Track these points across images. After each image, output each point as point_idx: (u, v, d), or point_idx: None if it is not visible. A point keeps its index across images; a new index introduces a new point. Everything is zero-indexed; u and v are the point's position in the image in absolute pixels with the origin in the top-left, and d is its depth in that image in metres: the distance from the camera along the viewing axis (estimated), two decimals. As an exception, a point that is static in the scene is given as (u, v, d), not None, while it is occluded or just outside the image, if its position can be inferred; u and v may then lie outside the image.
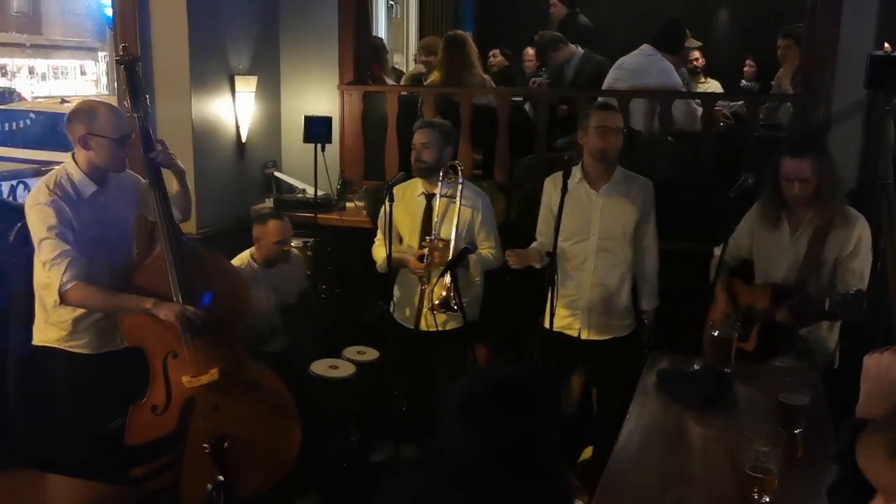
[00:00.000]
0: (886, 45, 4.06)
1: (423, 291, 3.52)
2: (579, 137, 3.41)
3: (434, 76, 5.05)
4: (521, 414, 1.48)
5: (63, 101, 10.69)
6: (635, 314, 3.56)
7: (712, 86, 6.38)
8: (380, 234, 3.80)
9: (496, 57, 6.36)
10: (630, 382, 3.72)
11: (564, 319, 3.44)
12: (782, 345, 3.09)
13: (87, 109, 2.95)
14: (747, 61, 6.89)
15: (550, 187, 3.52)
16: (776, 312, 2.99)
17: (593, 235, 3.39)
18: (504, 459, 1.45)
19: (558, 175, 3.46)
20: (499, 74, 6.12)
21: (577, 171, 3.41)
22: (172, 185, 3.22)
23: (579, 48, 5.41)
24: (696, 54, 6.06)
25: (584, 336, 3.46)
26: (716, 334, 2.78)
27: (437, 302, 3.34)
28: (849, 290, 2.85)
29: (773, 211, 3.13)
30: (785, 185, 3.06)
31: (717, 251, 3.40)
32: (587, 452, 3.58)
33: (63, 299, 2.88)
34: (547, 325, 3.20)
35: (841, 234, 3.06)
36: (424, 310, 3.52)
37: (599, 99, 4.28)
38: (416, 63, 6.07)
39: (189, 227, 4.14)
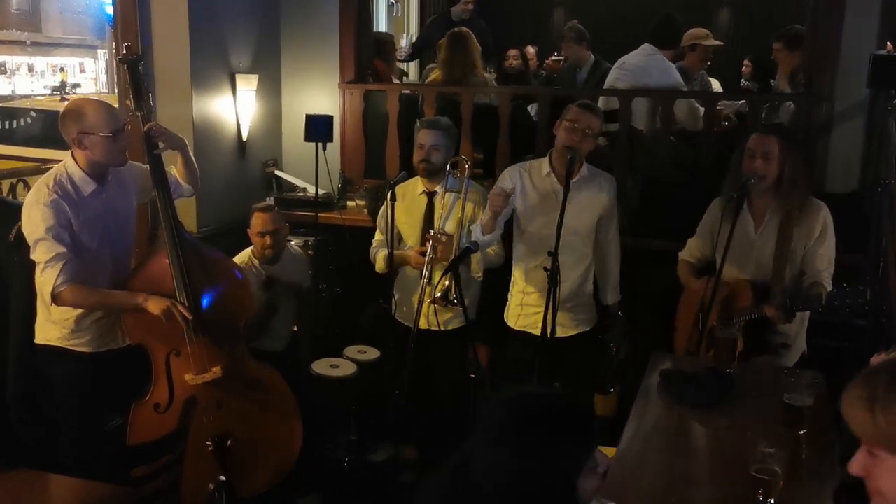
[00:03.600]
0: (889, 44, 4.06)
1: (423, 289, 3.50)
2: (555, 128, 3.34)
3: (435, 74, 5.05)
4: (553, 438, 1.48)
5: (63, 98, 10.68)
6: (598, 308, 3.56)
7: (713, 85, 6.36)
8: (378, 235, 3.79)
9: (517, 59, 6.35)
10: (595, 378, 3.74)
11: (530, 318, 3.40)
12: (765, 342, 3.09)
13: (75, 109, 2.93)
14: (745, 61, 6.89)
15: (516, 176, 3.41)
16: (766, 310, 2.98)
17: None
18: (528, 481, 1.45)
19: (524, 167, 3.44)
20: (513, 77, 6.12)
21: (544, 165, 3.38)
22: (177, 161, 3.23)
23: (591, 55, 5.44)
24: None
25: (548, 332, 3.36)
26: (719, 335, 2.77)
27: (438, 295, 3.32)
28: (843, 287, 2.84)
29: (735, 201, 3.08)
30: (748, 162, 3.04)
31: (682, 255, 3.41)
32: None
33: (55, 301, 2.88)
34: (549, 329, 3.15)
35: (806, 224, 3.06)
36: (425, 308, 3.51)
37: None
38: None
39: (190, 225, 4.14)
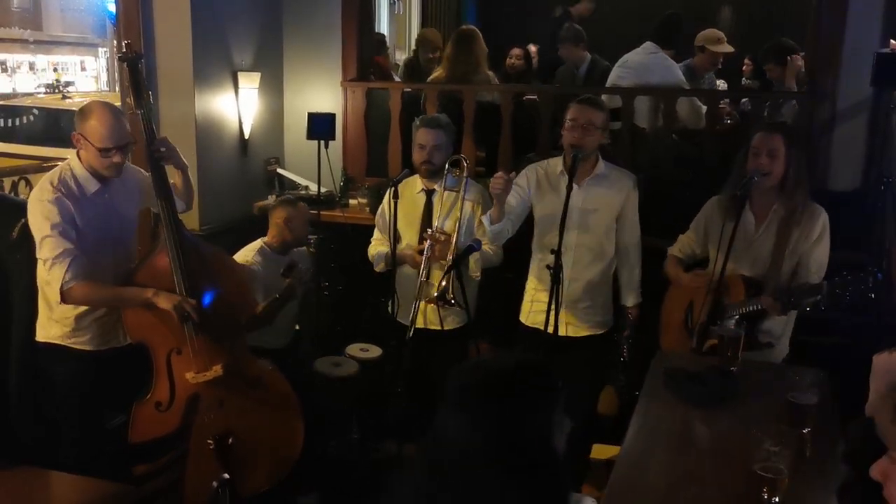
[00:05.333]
0: (893, 42, 4.06)
1: (420, 288, 3.49)
2: (562, 129, 3.33)
3: (438, 71, 5.04)
4: (519, 402, 1.46)
5: (64, 97, 10.69)
6: (615, 311, 3.53)
7: (719, 86, 6.34)
8: (377, 234, 3.78)
9: (520, 59, 6.34)
10: (602, 380, 3.72)
11: (540, 315, 3.35)
12: (753, 340, 3.07)
13: (86, 111, 2.91)
14: (745, 59, 6.89)
15: (532, 175, 3.41)
16: (762, 300, 2.98)
17: (573, 230, 3.30)
18: (501, 447, 1.43)
19: (542, 165, 3.44)
20: (515, 77, 6.12)
21: (559, 164, 3.36)
22: (174, 177, 3.20)
23: (588, 54, 5.45)
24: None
25: (560, 332, 3.34)
26: (724, 333, 2.77)
27: (435, 294, 3.31)
28: (846, 276, 2.86)
29: (738, 199, 3.06)
30: (752, 160, 3.04)
31: (671, 250, 3.40)
32: (601, 451, 3.55)
33: (64, 298, 2.86)
34: (551, 327, 3.14)
35: (807, 226, 3.06)
36: (425, 306, 3.49)
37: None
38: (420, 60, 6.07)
39: (192, 223, 4.14)
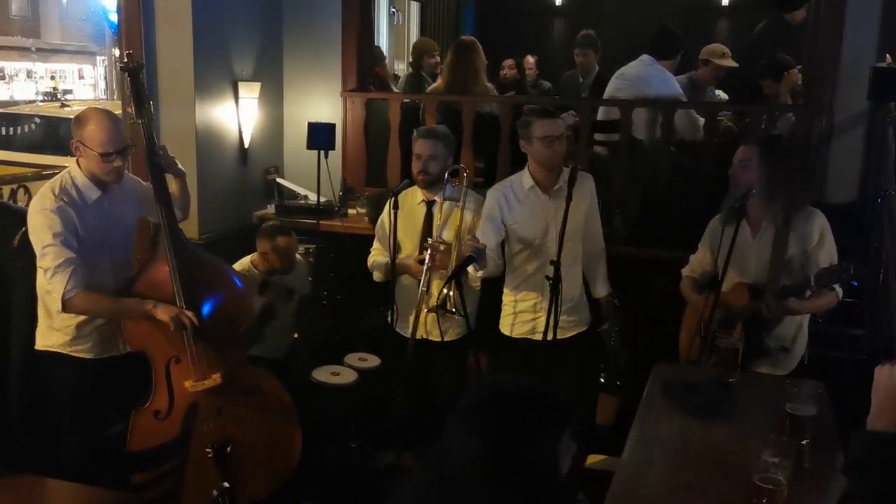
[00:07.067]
0: (888, 56, 4.09)
1: (421, 298, 3.50)
2: (522, 146, 3.39)
3: (438, 82, 5.07)
4: (525, 424, 1.47)
5: (63, 105, 10.69)
6: (590, 306, 3.59)
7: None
8: (376, 244, 3.79)
9: (512, 69, 6.41)
10: (595, 377, 3.72)
11: (527, 325, 3.44)
12: (762, 346, 3.09)
13: (82, 118, 2.92)
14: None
15: (499, 198, 3.44)
16: (760, 304, 3.00)
17: (552, 239, 3.34)
18: (501, 466, 1.44)
19: (502, 185, 3.49)
20: (509, 87, 6.17)
21: (525, 179, 3.41)
22: (172, 185, 3.20)
23: (597, 66, 5.50)
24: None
25: (550, 337, 3.32)
26: (721, 345, 2.78)
27: (436, 303, 3.32)
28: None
29: (734, 211, 3.10)
30: (732, 172, 3.14)
31: (685, 271, 3.43)
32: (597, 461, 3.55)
33: (66, 307, 2.87)
34: (550, 335, 3.17)
35: (801, 231, 3.08)
36: (426, 318, 3.50)
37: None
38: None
39: (191, 232, 4.15)
